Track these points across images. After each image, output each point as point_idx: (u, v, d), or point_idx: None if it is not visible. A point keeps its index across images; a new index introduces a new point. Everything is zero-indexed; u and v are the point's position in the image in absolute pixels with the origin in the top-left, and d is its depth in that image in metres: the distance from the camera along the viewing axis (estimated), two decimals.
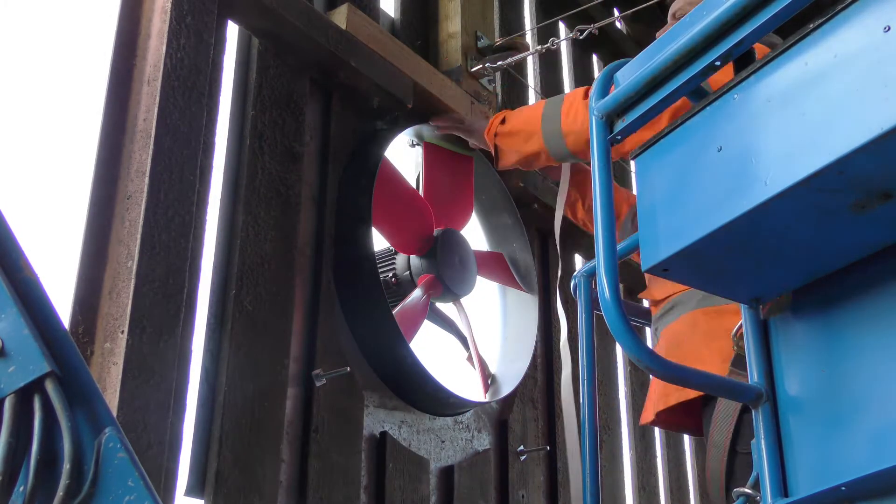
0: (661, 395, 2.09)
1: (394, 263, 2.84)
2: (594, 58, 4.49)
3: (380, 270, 2.69)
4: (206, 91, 2.26)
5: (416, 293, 2.75)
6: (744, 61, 1.40)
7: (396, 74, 2.80)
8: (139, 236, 2.00)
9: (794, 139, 1.21)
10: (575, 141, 2.47)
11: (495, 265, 3.14)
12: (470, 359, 2.99)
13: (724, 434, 1.90)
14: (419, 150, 2.98)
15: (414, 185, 2.93)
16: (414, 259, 2.82)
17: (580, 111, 2.45)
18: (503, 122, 2.69)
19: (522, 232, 3.18)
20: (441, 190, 2.94)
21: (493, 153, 2.73)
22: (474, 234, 3.19)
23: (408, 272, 2.83)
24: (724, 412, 1.91)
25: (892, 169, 1.16)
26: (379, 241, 2.74)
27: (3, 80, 2.13)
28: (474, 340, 2.98)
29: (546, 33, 3.75)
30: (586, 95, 2.42)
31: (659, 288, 2.22)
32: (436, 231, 2.86)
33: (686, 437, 4.06)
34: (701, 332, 2.04)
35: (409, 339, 2.62)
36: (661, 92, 1.42)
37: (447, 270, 2.81)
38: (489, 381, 3.01)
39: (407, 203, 2.83)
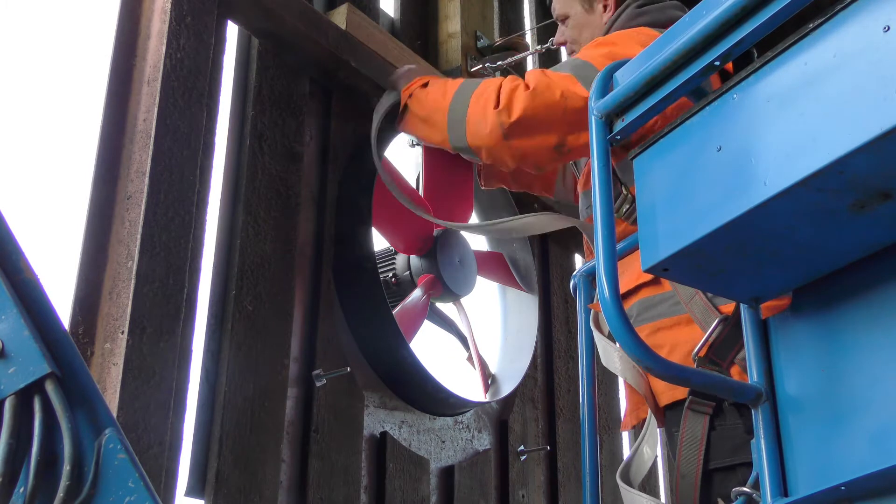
0: (635, 406, 2.06)
1: (394, 263, 2.84)
2: None
3: (380, 270, 2.69)
4: (206, 91, 2.26)
5: (416, 293, 2.75)
6: (743, 61, 1.40)
7: None
8: (139, 236, 2.00)
9: (793, 139, 1.21)
10: (474, 133, 2.24)
11: (495, 265, 3.14)
12: (470, 359, 2.99)
13: (693, 463, 1.80)
14: (419, 150, 2.98)
15: (414, 185, 2.93)
16: (414, 259, 2.82)
17: (489, 102, 2.22)
18: (425, 85, 2.45)
19: None
20: (441, 190, 2.93)
21: (400, 111, 2.49)
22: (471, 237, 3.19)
23: (408, 272, 2.82)
24: (690, 439, 1.81)
25: (892, 169, 1.16)
26: (379, 241, 2.74)
27: (4, 80, 2.13)
28: (474, 340, 2.98)
29: (546, 33, 3.75)
30: (498, 92, 2.22)
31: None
32: (435, 231, 2.86)
33: None
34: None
35: (410, 339, 2.62)
36: (660, 92, 1.42)
37: (447, 270, 2.81)
38: (489, 381, 3.01)
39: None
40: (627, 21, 2.38)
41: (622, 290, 2.06)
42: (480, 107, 2.24)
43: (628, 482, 1.95)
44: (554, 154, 2.19)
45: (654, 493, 3.66)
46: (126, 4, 2.26)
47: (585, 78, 2.12)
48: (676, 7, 2.40)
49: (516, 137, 2.19)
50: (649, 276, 2.01)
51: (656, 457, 2.01)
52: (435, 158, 2.91)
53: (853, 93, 1.16)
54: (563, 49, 4.13)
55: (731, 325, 1.73)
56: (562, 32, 2.66)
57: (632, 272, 2.04)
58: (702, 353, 1.75)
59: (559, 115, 2.14)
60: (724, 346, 1.75)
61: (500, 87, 2.24)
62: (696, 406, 1.79)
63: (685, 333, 1.91)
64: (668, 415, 1.95)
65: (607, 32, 2.43)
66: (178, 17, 2.22)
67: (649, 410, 1.99)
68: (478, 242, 3.18)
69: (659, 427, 2.01)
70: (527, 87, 2.20)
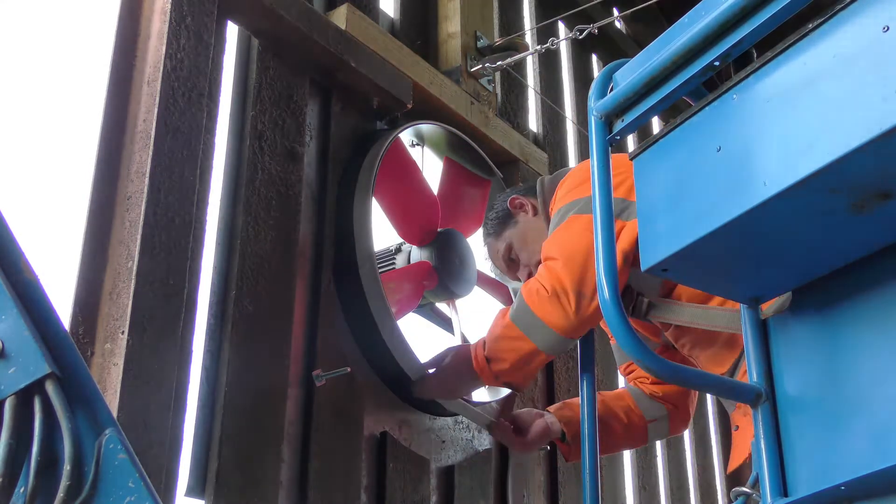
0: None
1: (394, 264, 2.85)
2: (593, 57, 4.49)
3: (380, 270, 2.69)
4: (206, 92, 2.26)
5: (410, 267, 2.76)
6: (743, 61, 1.40)
7: (396, 74, 2.80)
8: (139, 237, 2.00)
9: (793, 139, 1.21)
10: (566, 326, 2.14)
11: (499, 292, 3.14)
12: None
13: None
14: (419, 149, 2.99)
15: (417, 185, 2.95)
16: (414, 251, 2.83)
17: (542, 298, 2.14)
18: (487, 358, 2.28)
19: None
20: (453, 197, 2.96)
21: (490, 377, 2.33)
22: (477, 250, 3.18)
23: None
24: None
25: (891, 169, 1.16)
26: (379, 241, 2.75)
27: (4, 79, 2.13)
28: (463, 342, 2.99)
29: (545, 33, 3.75)
30: (528, 281, 2.22)
31: None
32: (440, 228, 2.87)
33: (686, 437, 4.06)
34: None
35: (398, 315, 2.61)
36: (660, 92, 1.42)
37: (445, 266, 2.81)
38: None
39: (415, 187, 2.85)
40: (552, 185, 2.41)
41: None
42: (548, 310, 2.14)
43: None
44: None
45: (653, 492, 3.67)
46: (126, 4, 2.26)
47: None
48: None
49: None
50: None
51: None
52: (455, 171, 2.94)
53: (853, 93, 1.16)
54: (562, 49, 4.14)
55: None
56: (514, 270, 2.54)
57: None
58: None
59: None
60: None
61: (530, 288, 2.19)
62: None
63: None
64: None
65: (550, 216, 2.34)
66: (178, 17, 2.22)
67: None
68: (484, 265, 3.18)
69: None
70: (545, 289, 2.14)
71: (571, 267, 2.11)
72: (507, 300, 3.14)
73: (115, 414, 1.78)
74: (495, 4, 3.55)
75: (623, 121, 1.49)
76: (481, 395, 2.93)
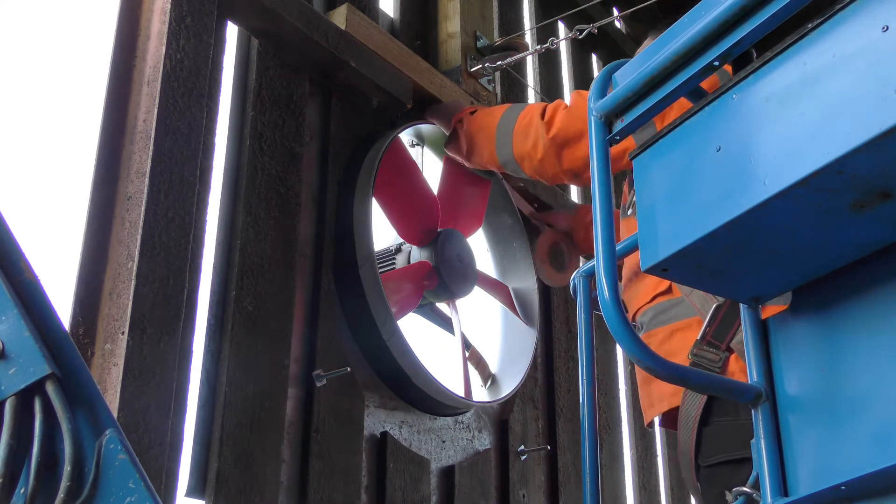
0: (660, 398, 2.08)
1: (394, 263, 2.85)
2: (593, 57, 4.49)
3: (380, 270, 2.70)
4: (206, 92, 2.26)
5: (410, 267, 2.76)
6: (742, 61, 1.40)
7: (396, 74, 2.80)
8: (139, 237, 2.01)
9: (792, 139, 1.21)
10: (520, 145, 2.48)
11: (499, 292, 3.15)
12: (470, 358, 2.99)
13: (694, 407, 1.91)
14: (419, 149, 2.99)
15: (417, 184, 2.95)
16: (414, 252, 2.83)
17: (535, 115, 2.44)
18: (472, 112, 2.73)
19: (522, 232, 3.18)
20: (454, 198, 2.96)
21: (448, 136, 2.81)
22: (477, 250, 3.18)
23: None
24: (685, 418, 1.92)
25: (891, 168, 1.16)
26: (379, 241, 2.75)
27: (4, 80, 2.13)
28: (464, 345, 2.99)
29: (545, 33, 3.75)
30: (543, 115, 2.43)
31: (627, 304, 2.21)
32: (440, 229, 2.87)
33: None
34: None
35: (398, 314, 2.62)
36: (659, 92, 1.42)
37: (445, 266, 2.81)
38: (487, 384, 3.02)
39: (415, 187, 2.85)
40: None
41: (640, 304, 2.11)
42: (526, 121, 2.46)
43: None
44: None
45: (654, 492, 3.67)
46: (126, 4, 2.26)
47: None
48: None
49: (558, 149, 2.39)
50: (664, 286, 2.07)
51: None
52: (455, 171, 2.94)
53: (852, 93, 1.16)
54: (562, 49, 4.15)
55: (725, 307, 1.82)
56: None
57: (647, 285, 2.08)
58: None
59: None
60: (722, 327, 1.84)
61: (546, 105, 2.45)
62: None
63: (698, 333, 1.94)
64: None
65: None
66: (177, 17, 2.22)
67: None
68: (485, 267, 3.19)
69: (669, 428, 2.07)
70: (566, 105, 2.40)
71: (572, 115, 2.36)
72: (508, 300, 3.14)
73: (115, 414, 1.78)
74: (495, 4, 3.55)
75: (623, 121, 1.49)
76: (482, 395, 2.93)
